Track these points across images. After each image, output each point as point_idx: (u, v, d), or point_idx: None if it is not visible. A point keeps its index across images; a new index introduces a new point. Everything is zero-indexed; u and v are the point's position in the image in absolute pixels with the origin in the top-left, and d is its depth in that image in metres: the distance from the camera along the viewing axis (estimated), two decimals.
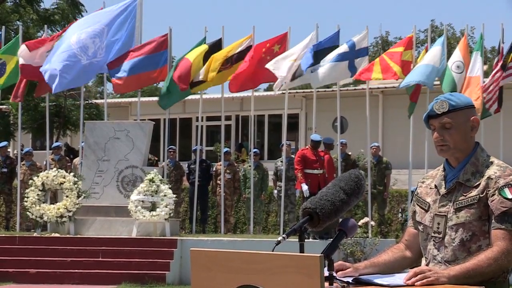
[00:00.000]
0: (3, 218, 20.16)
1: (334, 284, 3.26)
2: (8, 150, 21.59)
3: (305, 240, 3.25)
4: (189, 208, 19.92)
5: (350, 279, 3.46)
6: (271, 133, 31.69)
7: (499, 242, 3.46)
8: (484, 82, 16.60)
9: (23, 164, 19.14)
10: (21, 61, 17.09)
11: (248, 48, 17.33)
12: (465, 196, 3.58)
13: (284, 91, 18.07)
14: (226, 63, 17.04)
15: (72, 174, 16.15)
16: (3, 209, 20.28)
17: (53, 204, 15.89)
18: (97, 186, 16.41)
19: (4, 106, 27.57)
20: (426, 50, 17.27)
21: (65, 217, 15.60)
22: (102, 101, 25.78)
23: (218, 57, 17.01)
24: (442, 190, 3.67)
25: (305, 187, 15.88)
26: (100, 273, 14.21)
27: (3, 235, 16.05)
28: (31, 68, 17.07)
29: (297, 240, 3.24)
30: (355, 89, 28.28)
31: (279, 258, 2.95)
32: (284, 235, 3.21)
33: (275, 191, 18.88)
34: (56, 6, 29.50)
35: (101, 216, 16.05)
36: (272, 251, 3.10)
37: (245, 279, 3.01)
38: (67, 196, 15.67)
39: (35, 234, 15.88)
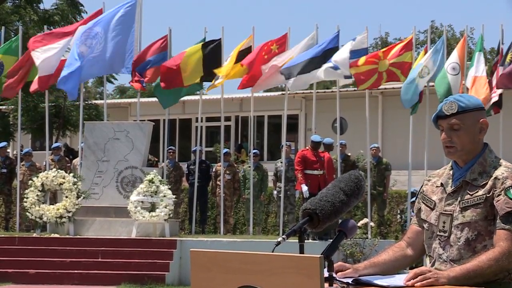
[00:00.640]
0: (2, 219, 20.15)
1: (334, 285, 3.26)
2: (8, 150, 21.60)
3: (305, 241, 3.25)
4: (188, 209, 19.92)
5: (350, 280, 3.45)
6: (271, 134, 31.69)
7: (502, 242, 3.46)
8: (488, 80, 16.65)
9: (22, 165, 19.13)
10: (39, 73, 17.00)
11: (248, 48, 17.34)
12: (472, 195, 3.58)
13: (283, 92, 18.07)
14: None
15: (71, 174, 16.15)
16: (3, 210, 20.27)
17: (53, 204, 15.89)
18: (97, 186, 16.41)
19: (4, 107, 27.59)
20: (425, 51, 17.26)
21: (65, 217, 15.60)
22: (101, 101, 25.77)
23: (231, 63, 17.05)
24: (449, 189, 3.67)
25: (305, 188, 15.88)
26: (99, 274, 14.20)
27: (3, 235, 16.05)
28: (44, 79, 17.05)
29: (297, 241, 3.23)
30: (354, 90, 28.21)
31: (279, 259, 2.95)
32: (283, 236, 3.21)
33: (275, 192, 18.88)
34: (56, 6, 29.48)
35: (101, 217, 16.05)
36: (272, 252, 3.09)
37: (245, 279, 3.01)
38: (66, 197, 15.67)
39: (34, 235, 15.87)
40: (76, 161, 19.38)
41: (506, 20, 24.33)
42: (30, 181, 16.07)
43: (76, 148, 24.35)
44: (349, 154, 19.52)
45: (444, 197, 3.67)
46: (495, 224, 3.51)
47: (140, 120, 18.27)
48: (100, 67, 17.16)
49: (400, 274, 3.55)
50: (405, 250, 3.78)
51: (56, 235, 15.54)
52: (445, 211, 3.64)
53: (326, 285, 3.14)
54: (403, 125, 22.41)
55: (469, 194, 3.59)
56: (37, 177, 16.00)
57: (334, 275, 3.30)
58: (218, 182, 18.85)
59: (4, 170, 19.07)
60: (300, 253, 3.14)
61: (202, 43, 17.45)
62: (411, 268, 3.49)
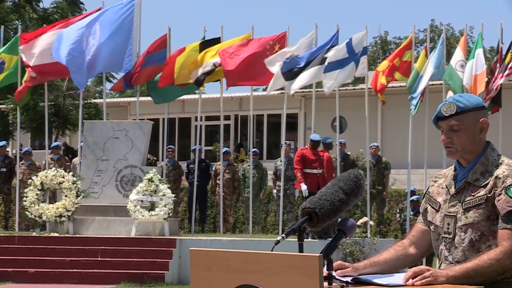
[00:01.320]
0: (2, 218, 20.15)
1: (333, 284, 3.26)
2: (7, 149, 21.58)
3: (304, 239, 3.24)
4: (188, 208, 19.92)
5: (349, 279, 3.45)
6: (270, 133, 31.69)
7: (504, 242, 3.45)
8: (487, 78, 16.68)
9: (22, 164, 19.13)
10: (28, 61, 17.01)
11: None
12: (473, 196, 3.56)
13: (283, 91, 18.06)
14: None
15: (71, 173, 16.14)
16: (2, 209, 20.27)
17: (52, 203, 15.87)
18: (96, 185, 16.41)
19: (3, 106, 27.57)
20: (426, 50, 17.29)
21: (64, 216, 15.59)
22: (101, 100, 25.79)
23: (211, 54, 16.97)
24: (452, 190, 3.66)
25: (304, 186, 15.88)
26: (99, 273, 14.20)
27: (2, 234, 16.04)
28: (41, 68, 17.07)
29: (296, 239, 3.23)
30: (354, 89, 28.28)
31: (278, 258, 2.95)
32: (283, 235, 3.21)
33: (274, 191, 18.88)
34: (55, 5, 29.46)
35: (100, 216, 16.04)
36: (271, 250, 3.09)
37: (244, 278, 3.01)
38: (66, 196, 15.66)
39: (34, 234, 15.87)
40: (76, 160, 19.38)
41: (506, 19, 24.43)
42: (30, 180, 16.07)
43: (75, 147, 24.33)
44: (348, 153, 19.52)
45: (448, 199, 3.66)
46: (498, 223, 3.50)
47: (139, 119, 18.27)
48: (96, 66, 17.13)
49: (400, 273, 3.55)
50: (407, 248, 3.77)
51: (56, 234, 15.53)
52: (449, 212, 3.63)
53: (326, 284, 3.14)
54: (402, 124, 22.43)
55: (471, 195, 3.57)
56: (37, 176, 15.99)
57: (333, 274, 3.30)
58: (217, 181, 18.85)
59: (4, 169, 19.07)
60: (299, 252, 3.14)
61: (200, 41, 17.44)
62: (411, 268, 3.49)
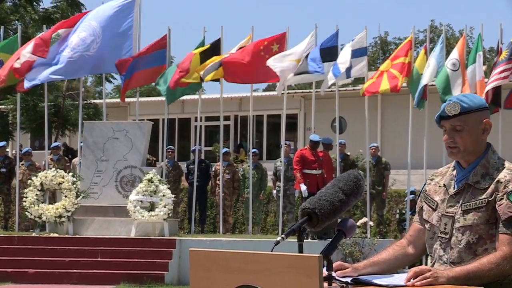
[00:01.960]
0: (1, 218, 20.14)
1: (333, 284, 3.26)
2: (7, 150, 21.58)
3: (304, 240, 3.25)
4: (187, 208, 19.91)
5: (349, 279, 3.45)
6: (270, 133, 31.68)
7: (504, 247, 3.45)
8: (486, 82, 16.70)
9: (22, 164, 19.12)
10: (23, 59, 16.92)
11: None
12: (474, 198, 3.56)
13: (283, 92, 18.06)
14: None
15: (70, 174, 16.15)
16: (2, 209, 20.26)
17: (52, 204, 15.88)
18: (96, 186, 16.41)
19: (3, 106, 27.56)
20: (425, 50, 17.28)
21: (64, 217, 15.59)
22: (100, 101, 25.77)
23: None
24: (451, 190, 3.65)
25: (303, 187, 15.88)
26: (98, 273, 14.21)
27: (2, 235, 16.04)
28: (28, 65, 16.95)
29: (296, 240, 3.23)
30: (353, 90, 28.26)
31: (278, 258, 2.95)
32: (283, 235, 3.21)
33: (274, 191, 18.88)
34: (55, 5, 29.44)
35: (100, 216, 16.05)
36: (271, 251, 3.09)
37: (244, 279, 3.01)
38: (65, 196, 15.67)
39: (33, 234, 15.87)
40: (75, 160, 19.37)
41: (505, 20, 24.48)
42: (29, 181, 16.07)
43: (75, 147, 24.32)
44: (348, 153, 19.52)
45: (446, 199, 3.66)
46: (497, 228, 3.50)
47: (139, 120, 18.26)
48: (94, 66, 17.12)
49: (399, 274, 3.55)
50: (406, 248, 3.78)
51: (55, 235, 15.54)
52: (447, 213, 3.62)
53: (325, 284, 3.14)
54: (402, 125, 22.41)
55: (472, 197, 3.57)
56: (36, 176, 16.00)
57: (333, 274, 3.30)
58: (217, 182, 18.84)
59: (3, 170, 19.06)
60: (299, 253, 3.14)
61: (201, 50, 17.44)
62: (411, 267, 3.49)
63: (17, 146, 19.82)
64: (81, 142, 17.59)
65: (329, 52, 16.63)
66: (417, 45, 26.73)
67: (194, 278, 3.20)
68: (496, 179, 3.54)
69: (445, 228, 3.61)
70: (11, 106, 25.95)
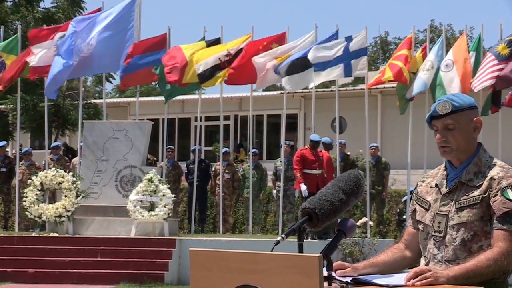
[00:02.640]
0: (1, 218, 20.14)
1: (333, 284, 3.26)
2: (7, 149, 21.57)
3: (304, 240, 3.25)
4: (187, 208, 19.91)
5: (349, 279, 3.46)
6: (270, 133, 31.68)
7: (500, 243, 3.46)
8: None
9: (21, 164, 19.12)
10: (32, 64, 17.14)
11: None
12: (468, 196, 3.57)
13: (283, 91, 18.06)
14: (226, 62, 16.97)
15: (70, 174, 16.15)
16: (2, 209, 20.26)
17: (52, 203, 15.88)
18: (96, 186, 16.41)
19: (3, 106, 27.56)
20: (423, 49, 17.26)
21: (64, 216, 15.60)
22: (100, 101, 25.76)
23: (214, 50, 16.99)
24: (444, 189, 3.67)
25: (303, 187, 15.88)
26: (98, 273, 14.21)
27: (2, 234, 16.04)
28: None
29: (296, 240, 3.23)
30: (353, 89, 28.27)
31: (278, 258, 2.95)
32: (283, 235, 3.21)
33: (274, 191, 18.87)
34: (55, 4, 29.42)
35: (100, 216, 16.05)
36: (271, 251, 3.09)
37: (244, 279, 3.01)
38: (65, 196, 15.67)
39: (33, 234, 15.87)
40: (75, 160, 19.37)
41: (505, 20, 24.48)
42: (29, 180, 16.07)
43: (75, 147, 24.32)
44: (348, 153, 19.52)
45: (439, 198, 3.67)
46: (492, 224, 3.51)
47: (139, 119, 18.26)
48: (93, 66, 17.13)
49: (399, 273, 3.56)
50: (404, 251, 3.80)
51: (55, 235, 15.54)
52: (441, 211, 3.64)
53: (325, 284, 3.14)
54: (402, 124, 22.40)
55: (465, 194, 3.58)
56: (36, 176, 16.00)
57: (333, 274, 3.30)
58: (217, 181, 18.84)
59: (3, 169, 19.06)
60: (299, 252, 3.14)
61: (204, 42, 17.42)
62: (411, 268, 3.50)
63: (17, 146, 19.82)
64: (81, 142, 17.59)
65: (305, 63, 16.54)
66: (417, 45, 26.73)
67: (194, 278, 3.20)
68: (489, 176, 3.56)
69: (439, 227, 3.63)
70: (11, 106, 25.94)
